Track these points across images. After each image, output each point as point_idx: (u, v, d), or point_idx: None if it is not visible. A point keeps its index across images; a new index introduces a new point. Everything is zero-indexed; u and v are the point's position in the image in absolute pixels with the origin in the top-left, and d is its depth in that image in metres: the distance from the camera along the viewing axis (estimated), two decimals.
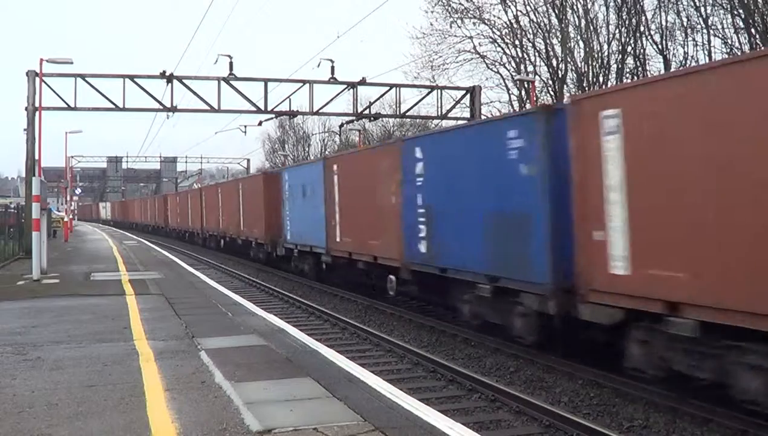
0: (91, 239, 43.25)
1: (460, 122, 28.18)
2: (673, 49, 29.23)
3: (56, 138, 55.57)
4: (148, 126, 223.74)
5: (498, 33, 34.34)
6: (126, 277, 17.94)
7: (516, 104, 34.78)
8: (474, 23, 34.11)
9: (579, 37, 32.35)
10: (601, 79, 31.42)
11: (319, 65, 27.60)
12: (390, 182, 14.63)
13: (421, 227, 13.16)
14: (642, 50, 30.10)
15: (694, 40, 28.14)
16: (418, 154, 13.33)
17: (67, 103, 25.74)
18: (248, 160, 74.23)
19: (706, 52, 27.47)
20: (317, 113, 29.89)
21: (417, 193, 13.37)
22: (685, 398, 8.04)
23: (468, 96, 30.04)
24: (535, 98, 30.89)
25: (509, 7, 33.36)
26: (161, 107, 26.78)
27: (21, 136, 27.19)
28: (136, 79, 25.98)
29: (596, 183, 8.45)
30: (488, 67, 35.08)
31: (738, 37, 26.06)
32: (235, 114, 30.32)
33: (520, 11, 33.50)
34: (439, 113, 30.27)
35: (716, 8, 26.76)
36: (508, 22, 33.93)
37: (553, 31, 33.24)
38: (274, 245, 24.29)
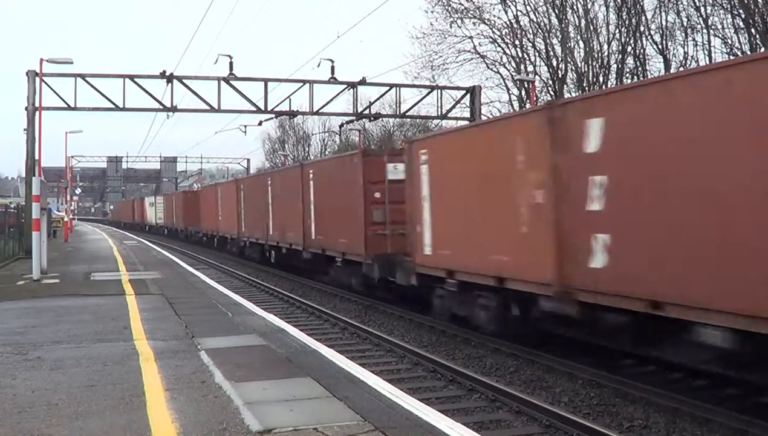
0: (91, 239, 43.25)
1: (461, 123, 28.24)
2: (673, 49, 29.26)
3: (56, 138, 55.68)
4: (148, 126, 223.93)
5: (498, 33, 34.37)
6: (126, 277, 17.94)
7: (516, 104, 34.81)
8: (474, 23, 34.14)
9: (579, 37, 32.36)
10: (601, 79, 31.43)
11: (319, 65, 27.65)
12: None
13: None
14: (642, 50, 30.12)
15: (694, 40, 28.17)
16: None
17: (67, 103, 25.74)
18: (248, 160, 74.31)
19: (706, 52, 27.50)
20: (317, 113, 29.90)
21: None
22: (685, 398, 8.05)
23: (468, 96, 30.05)
24: (535, 98, 30.89)
25: (509, 7, 33.39)
26: (161, 107, 26.79)
27: (21, 136, 27.23)
28: (136, 79, 25.99)
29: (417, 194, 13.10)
30: (488, 67, 35.12)
31: (738, 37, 26.08)
32: (235, 114, 30.41)
33: (520, 11, 33.53)
34: (439, 113, 30.28)
35: (716, 8, 26.77)
36: (508, 22, 33.95)
37: (553, 31, 33.26)
38: None
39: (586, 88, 31.34)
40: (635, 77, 30.12)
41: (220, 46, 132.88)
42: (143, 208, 66.03)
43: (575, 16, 32.56)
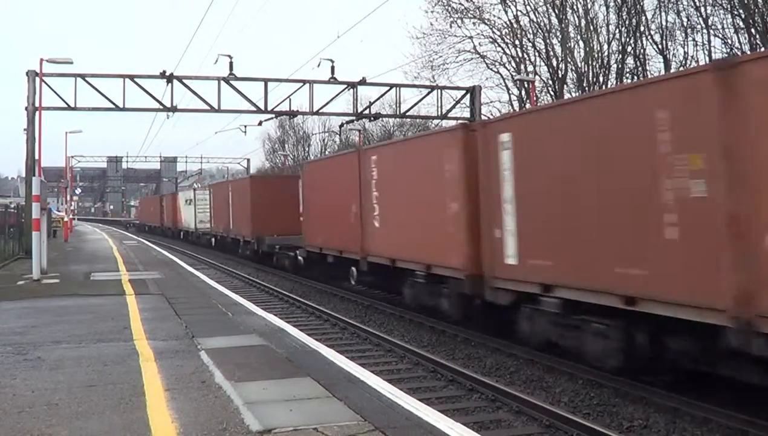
0: (91, 239, 43.25)
1: (461, 122, 28.23)
2: (673, 49, 29.26)
3: (56, 138, 55.39)
4: (148, 126, 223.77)
5: (498, 33, 34.38)
6: (126, 277, 17.94)
7: (516, 104, 34.82)
8: (474, 23, 34.16)
9: (579, 37, 32.37)
10: (601, 79, 31.43)
11: (319, 65, 27.63)
12: None
13: None
14: (642, 50, 30.12)
15: (694, 40, 28.17)
16: None
17: (67, 103, 25.72)
18: (248, 160, 74.33)
19: (706, 52, 27.50)
20: (317, 113, 29.88)
21: None
22: (685, 398, 8.05)
23: (468, 96, 30.04)
24: (535, 98, 30.89)
25: (509, 7, 33.40)
26: (161, 107, 26.77)
27: (21, 136, 27.22)
28: (136, 79, 25.98)
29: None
30: (488, 67, 35.12)
31: (738, 37, 26.08)
32: (235, 114, 30.37)
33: (520, 11, 33.55)
34: (439, 113, 30.26)
35: (716, 8, 26.77)
36: (508, 22, 33.96)
37: (553, 31, 33.27)
38: None
39: (586, 88, 31.34)
40: (635, 77, 30.12)
41: (220, 46, 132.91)
42: (175, 207, 48.10)
43: (575, 16, 32.59)
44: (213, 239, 36.22)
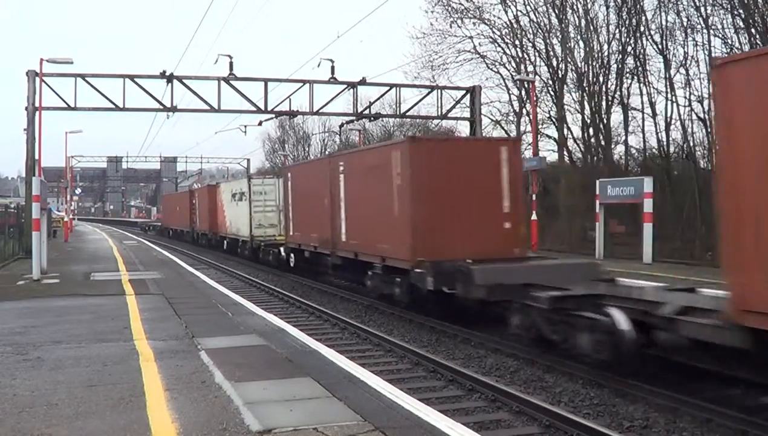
0: (91, 239, 43.24)
1: (461, 123, 28.25)
2: (673, 49, 29.21)
3: (56, 138, 55.41)
4: (148, 126, 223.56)
5: (498, 33, 34.43)
6: (126, 277, 17.94)
7: (516, 104, 34.84)
8: (474, 23, 34.22)
9: (579, 37, 32.38)
10: (601, 79, 31.43)
11: (319, 65, 27.66)
12: None
13: None
14: (642, 50, 30.09)
15: (694, 40, 28.12)
16: None
17: (67, 103, 25.74)
18: (248, 160, 74.31)
19: (706, 52, 27.46)
20: (317, 113, 29.90)
21: None
22: (685, 398, 8.05)
23: (468, 96, 30.03)
24: (535, 98, 30.89)
25: (509, 7, 33.45)
26: (161, 107, 26.78)
27: (21, 136, 27.25)
28: (136, 79, 25.99)
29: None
30: (488, 67, 35.16)
31: (738, 37, 26.04)
32: (235, 114, 30.41)
33: (520, 11, 33.59)
34: (439, 113, 30.27)
35: (716, 8, 26.73)
36: (508, 22, 34.01)
37: (553, 31, 33.29)
38: None
39: (586, 88, 31.37)
40: (635, 77, 30.15)
41: (220, 46, 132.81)
42: (215, 204, 34.89)
43: (575, 16, 32.61)
44: (291, 257, 22.86)
